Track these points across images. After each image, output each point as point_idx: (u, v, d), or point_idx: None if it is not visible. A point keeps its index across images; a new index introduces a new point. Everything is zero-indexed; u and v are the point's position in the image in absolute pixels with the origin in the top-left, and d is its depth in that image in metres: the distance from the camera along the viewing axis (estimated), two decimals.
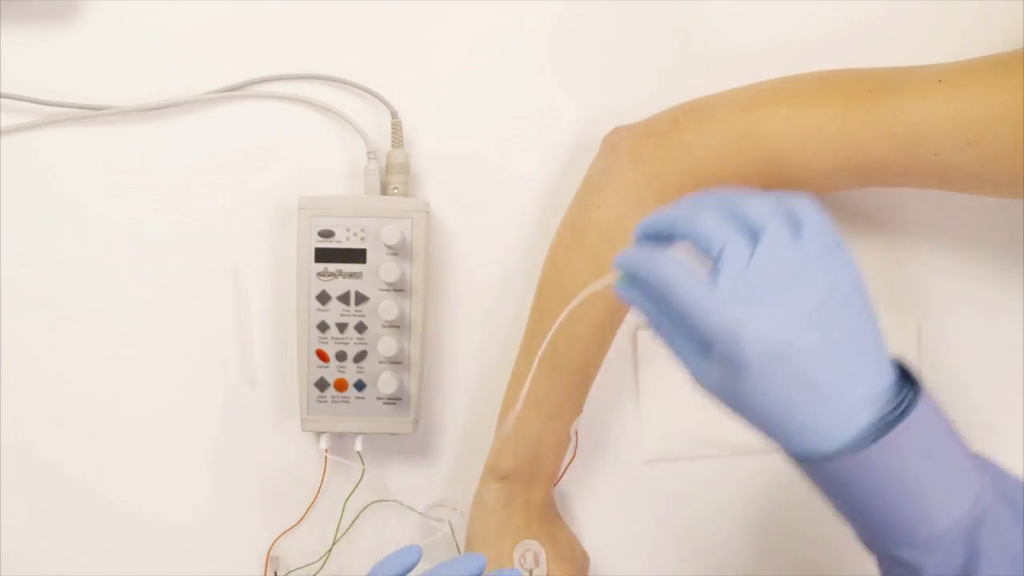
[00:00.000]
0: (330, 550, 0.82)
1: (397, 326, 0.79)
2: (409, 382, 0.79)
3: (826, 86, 0.71)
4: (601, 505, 0.84)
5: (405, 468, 0.84)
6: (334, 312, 0.79)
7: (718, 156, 0.74)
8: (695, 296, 0.52)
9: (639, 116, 0.77)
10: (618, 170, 0.75)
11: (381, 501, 0.82)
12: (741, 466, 0.84)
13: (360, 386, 0.79)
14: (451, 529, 0.81)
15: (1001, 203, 0.80)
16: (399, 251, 0.79)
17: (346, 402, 0.79)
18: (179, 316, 0.83)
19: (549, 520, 0.79)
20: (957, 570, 0.54)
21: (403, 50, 0.83)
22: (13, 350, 0.83)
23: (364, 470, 0.81)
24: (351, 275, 0.79)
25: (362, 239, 0.79)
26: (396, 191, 0.81)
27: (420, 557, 0.62)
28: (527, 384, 0.68)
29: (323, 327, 0.79)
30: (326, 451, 0.81)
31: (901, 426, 0.52)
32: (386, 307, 0.78)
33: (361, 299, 0.79)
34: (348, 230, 0.79)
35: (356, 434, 0.81)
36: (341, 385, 0.79)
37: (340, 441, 0.82)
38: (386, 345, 0.78)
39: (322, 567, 0.82)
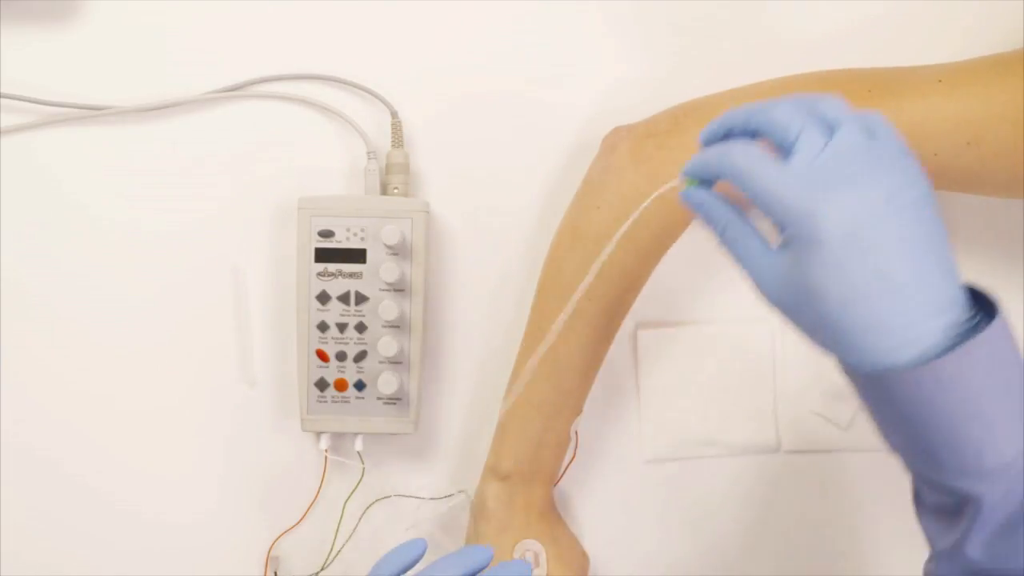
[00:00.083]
0: (334, 551, 0.82)
1: (397, 326, 0.79)
2: (409, 382, 0.79)
3: (826, 86, 0.71)
4: (601, 505, 0.84)
5: (405, 468, 0.84)
6: (334, 312, 0.79)
7: None
8: (772, 176, 0.51)
9: (639, 116, 0.77)
10: (618, 170, 0.75)
11: (385, 498, 0.82)
12: (741, 466, 0.84)
13: (360, 386, 0.79)
14: (467, 496, 0.80)
15: (1001, 203, 0.80)
16: (399, 251, 0.79)
17: (346, 402, 0.79)
18: (179, 316, 0.83)
19: (549, 520, 0.79)
20: (1018, 507, 0.52)
21: (403, 50, 0.83)
22: (13, 350, 0.83)
23: (364, 470, 0.81)
24: (351, 275, 0.79)
25: (362, 239, 0.79)
26: (396, 191, 0.81)
27: (425, 550, 0.61)
28: (535, 361, 0.68)
29: (323, 327, 0.79)
30: (326, 451, 0.81)
31: (978, 338, 0.50)
32: (386, 307, 0.78)
33: (361, 299, 0.79)
34: (348, 230, 0.79)
35: (356, 434, 0.81)
36: (341, 385, 0.79)
37: (340, 441, 0.82)
38: (386, 345, 0.78)
39: (322, 568, 0.82)
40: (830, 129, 0.52)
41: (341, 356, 0.79)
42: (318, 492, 0.82)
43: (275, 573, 0.83)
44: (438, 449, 0.84)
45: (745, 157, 0.52)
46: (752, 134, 0.54)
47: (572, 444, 0.80)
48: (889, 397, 0.52)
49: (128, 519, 0.83)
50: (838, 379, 0.82)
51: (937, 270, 0.51)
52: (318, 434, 0.81)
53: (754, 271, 0.54)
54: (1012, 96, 0.67)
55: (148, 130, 0.83)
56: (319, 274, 0.79)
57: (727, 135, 0.55)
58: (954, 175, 0.70)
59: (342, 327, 0.79)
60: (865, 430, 0.83)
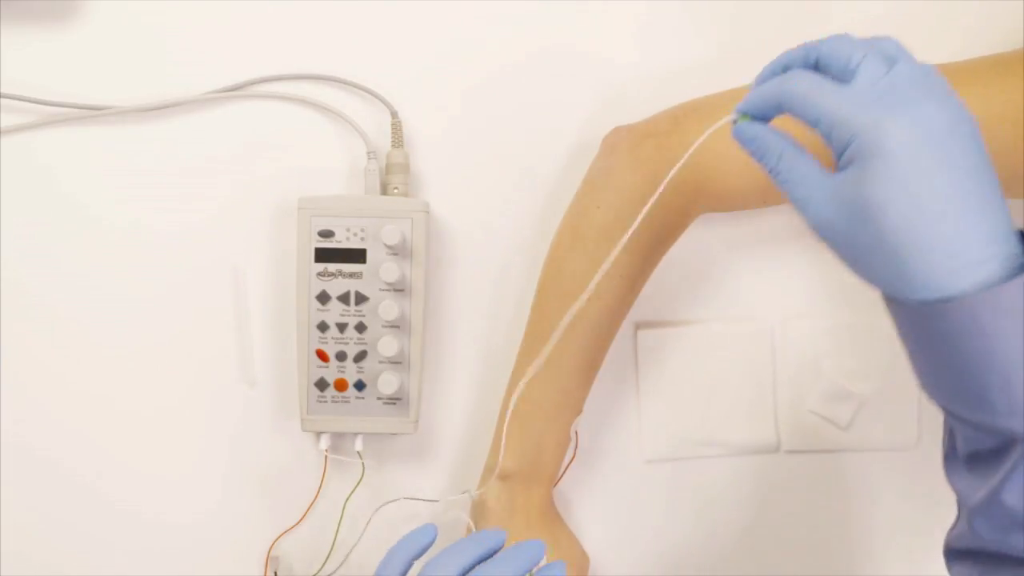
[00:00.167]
0: (334, 551, 0.82)
1: (397, 326, 0.79)
2: (409, 382, 0.79)
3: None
4: (601, 505, 0.84)
5: (405, 468, 0.84)
6: (334, 312, 0.79)
7: (718, 156, 0.74)
8: (836, 95, 0.51)
9: (639, 116, 0.77)
10: (618, 170, 0.75)
11: (393, 501, 0.82)
12: (741, 466, 0.84)
13: (360, 386, 0.79)
14: (471, 496, 0.80)
15: None
16: (399, 251, 0.79)
17: (346, 402, 0.79)
18: (179, 316, 0.83)
19: (549, 520, 0.79)
20: None
21: (403, 50, 0.83)
22: (13, 350, 0.83)
23: (364, 470, 0.81)
24: (351, 275, 0.79)
25: (362, 239, 0.79)
26: (396, 191, 0.81)
27: (436, 537, 0.61)
28: (548, 348, 0.68)
29: (323, 327, 0.79)
30: (326, 451, 0.81)
31: None
32: (386, 307, 0.78)
33: (361, 299, 0.79)
34: (348, 230, 0.79)
35: (356, 434, 0.81)
36: (341, 385, 0.79)
37: (340, 441, 0.82)
38: (386, 345, 0.78)
39: (322, 568, 0.82)
40: (890, 60, 0.52)
41: (341, 356, 0.79)
42: (318, 492, 0.82)
43: (275, 573, 0.83)
44: (438, 449, 0.84)
45: (807, 83, 0.53)
46: (811, 67, 0.54)
47: (572, 444, 0.80)
48: (940, 328, 0.51)
49: (128, 519, 0.84)
50: (838, 379, 0.83)
51: (994, 200, 0.51)
52: (318, 434, 0.81)
53: (809, 196, 0.53)
54: (1012, 96, 0.67)
55: (148, 130, 0.83)
56: (319, 274, 0.79)
57: (788, 67, 0.56)
58: None
59: (342, 327, 0.79)
60: (865, 430, 0.83)
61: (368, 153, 0.81)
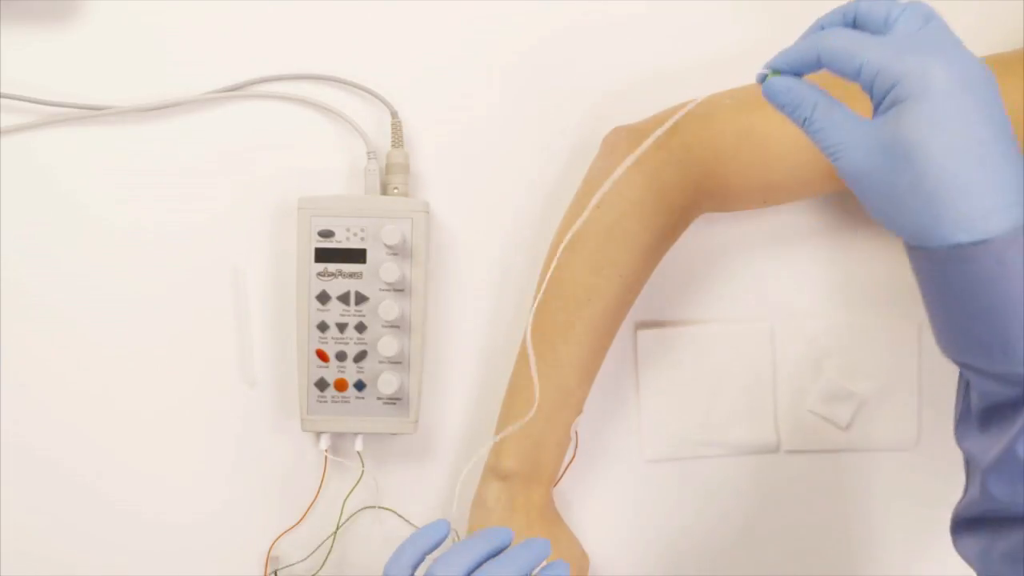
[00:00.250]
0: (334, 551, 0.82)
1: (397, 326, 0.79)
2: (409, 382, 0.79)
3: (826, 85, 0.71)
4: (601, 505, 0.84)
5: (405, 468, 0.84)
6: (334, 312, 0.79)
7: (718, 156, 0.74)
8: (875, 45, 0.53)
9: (639, 116, 0.77)
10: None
11: (385, 508, 0.82)
12: (741, 466, 0.84)
13: (360, 386, 0.79)
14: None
15: None
16: (399, 251, 0.79)
17: (346, 402, 0.79)
18: (179, 316, 0.83)
19: (549, 520, 0.79)
20: None
21: (403, 50, 0.83)
22: (13, 350, 0.83)
23: (364, 470, 0.81)
24: (351, 275, 0.79)
25: (362, 239, 0.79)
26: (396, 191, 0.81)
27: (448, 532, 0.62)
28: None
29: (323, 327, 0.79)
30: (326, 451, 0.81)
31: None
32: (386, 307, 0.78)
33: (361, 299, 0.79)
34: (348, 230, 0.79)
35: (356, 434, 0.81)
36: (341, 385, 0.79)
37: (340, 441, 0.82)
38: (386, 345, 0.78)
39: (322, 568, 0.82)
40: (926, 17, 0.54)
41: (341, 356, 0.79)
42: (318, 492, 0.82)
43: (275, 573, 0.83)
44: (438, 449, 0.84)
45: (847, 36, 0.54)
46: (849, 26, 0.56)
47: (572, 444, 0.80)
48: (968, 273, 0.52)
49: (128, 519, 0.83)
50: (838, 379, 0.83)
51: (1017, 150, 0.52)
52: (318, 434, 0.81)
53: (846, 142, 0.54)
54: (1012, 96, 0.67)
55: (148, 130, 0.83)
56: (319, 274, 0.79)
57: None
58: None
59: (342, 327, 0.79)
60: (865, 430, 0.83)
61: (368, 153, 0.81)
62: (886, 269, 0.83)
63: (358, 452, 0.81)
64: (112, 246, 0.83)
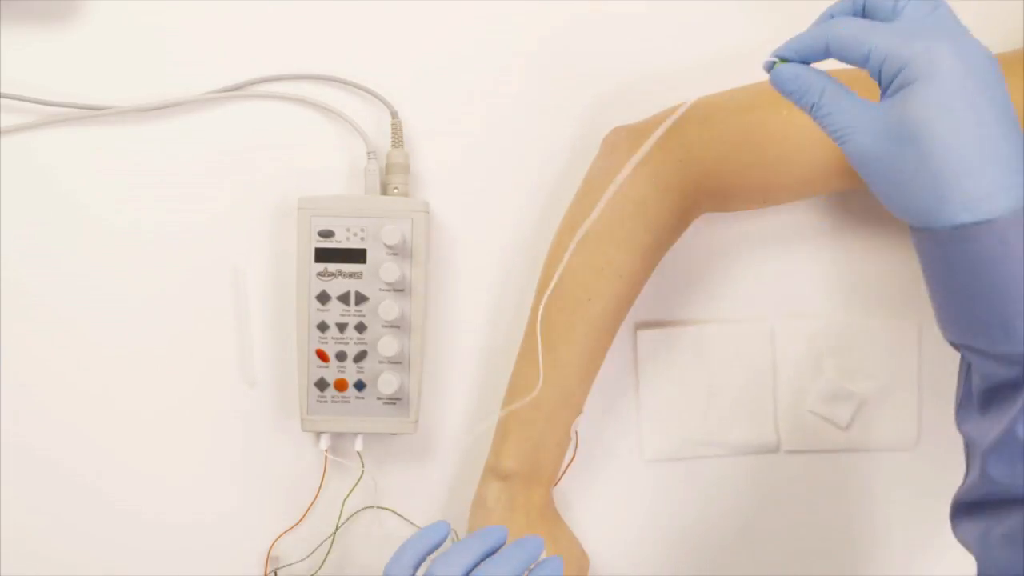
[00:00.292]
0: (334, 551, 0.82)
1: (397, 326, 0.79)
2: (409, 382, 0.79)
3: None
4: (601, 505, 0.84)
5: (405, 468, 0.84)
6: (334, 312, 0.79)
7: (718, 156, 0.74)
8: (883, 30, 0.54)
9: (639, 116, 0.77)
10: (618, 170, 0.75)
11: (385, 508, 0.82)
12: (741, 466, 0.84)
13: (360, 386, 0.79)
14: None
15: None
16: (399, 251, 0.79)
17: (346, 402, 0.79)
18: (179, 316, 0.83)
19: (549, 520, 0.79)
20: None
21: (403, 50, 0.83)
22: (13, 350, 0.83)
23: (364, 470, 0.81)
24: (351, 275, 0.79)
25: (362, 239, 0.79)
26: (396, 191, 0.81)
27: (448, 533, 0.62)
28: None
29: (323, 327, 0.79)
30: (326, 451, 0.81)
31: None
32: (386, 307, 0.78)
33: (361, 299, 0.79)
34: (348, 230, 0.79)
35: (356, 434, 0.81)
36: (341, 385, 0.79)
37: (340, 441, 0.82)
38: (386, 345, 0.78)
39: (322, 567, 0.82)
40: (933, 4, 0.55)
41: (341, 356, 0.79)
42: (318, 492, 0.82)
43: (275, 573, 0.83)
44: (438, 449, 0.84)
45: (855, 24, 0.55)
46: (858, 15, 0.56)
47: (572, 444, 0.80)
48: (972, 253, 0.53)
49: (128, 519, 0.83)
50: (838, 379, 0.83)
51: (1020, 133, 0.53)
52: (318, 434, 0.81)
53: (853, 125, 0.55)
54: (1012, 96, 0.66)
55: (148, 130, 0.83)
56: (319, 274, 0.79)
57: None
58: None
59: (342, 327, 0.79)
60: (865, 430, 0.83)
61: (368, 153, 0.81)
62: (886, 269, 0.83)
63: (358, 452, 0.81)
64: (112, 246, 0.83)
